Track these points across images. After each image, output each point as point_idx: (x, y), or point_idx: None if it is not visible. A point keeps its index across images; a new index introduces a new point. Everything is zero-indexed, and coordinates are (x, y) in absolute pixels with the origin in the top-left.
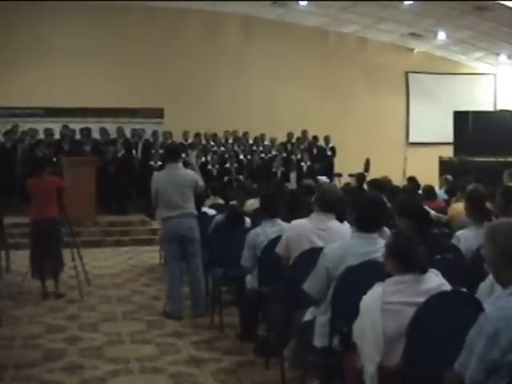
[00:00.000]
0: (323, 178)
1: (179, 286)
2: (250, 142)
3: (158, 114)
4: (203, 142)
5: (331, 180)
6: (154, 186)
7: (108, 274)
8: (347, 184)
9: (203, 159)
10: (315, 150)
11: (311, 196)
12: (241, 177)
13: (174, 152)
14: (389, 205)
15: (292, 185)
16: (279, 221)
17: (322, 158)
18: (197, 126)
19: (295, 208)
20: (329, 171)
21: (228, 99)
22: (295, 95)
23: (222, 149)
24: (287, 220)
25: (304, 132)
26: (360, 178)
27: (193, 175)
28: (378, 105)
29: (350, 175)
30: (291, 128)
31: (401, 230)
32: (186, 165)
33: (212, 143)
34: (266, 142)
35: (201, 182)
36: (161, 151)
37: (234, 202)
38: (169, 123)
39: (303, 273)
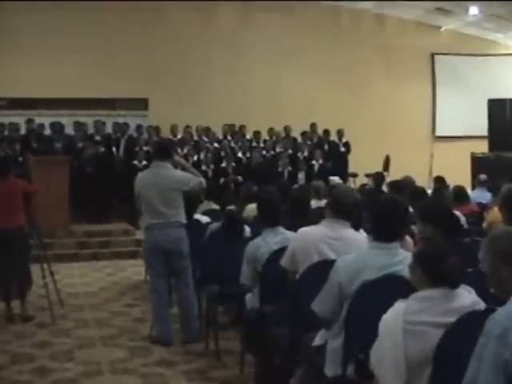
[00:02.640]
0: (336, 179)
1: (167, 306)
2: (248, 136)
3: (142, 105)
4: (195, 137)
5: (345, 181)
6: (136, 189)
7: (84, 293)
8: (363, 185)
9: (195, 158)
10: (326, 146)
11: (319, 199)
12: (239, 178)
13: (162, 149)
14: (412, 210)
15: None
16: (282, 229)
17: (335, 155)
18: (187, 119)
19: (299, 214)
20: (342, 171)
21: (223, 88)
22: (301, 83)
23: (217, 145)
24: (291, 228)
25: (313, 125)
26: (378, 178)
27: (183, 176)
28: (399, 93)
29: (367, 175)
30: (297, 121)
31: (432, 236)
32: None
33: (205, 139)
34: (267, 137)
35: (197, 180)
36: (146, 149)
37: (231, 208)
38: (154, 116)
39: (312, 289)
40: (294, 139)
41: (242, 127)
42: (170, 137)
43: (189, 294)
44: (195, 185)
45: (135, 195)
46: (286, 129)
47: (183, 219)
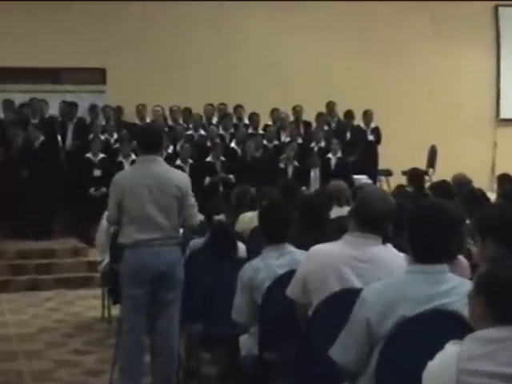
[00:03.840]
0: (362, 179)
1: (141, 354)
2: (246, 121)
3: (98, 77)
4: (169, 122)
5: (375, 181)
6: (115, 193)
7: (17, 336)
8: (400, 187)
9: (170, 150)
10: (349, 134)
11: (339, 207)
12: (231, 177)
13: (152, 138)
14: (468, 220)
15: (313, 190)
16: (290, 247)
17: (360, 145)
18: (159, 98)
19: (312, 227)
20: (371, 167)
21: (208, 56)
22: (315, 48)
23: (202, 133)
24: (302, 245)
25: (330, 105)
26: (419, 177)
27: (184, 177)
28: (450, 61)
29: (405, 173)
30: (309, 100)
31: (498, 256)
32: None
33: (184, 124)
34: (269, 122)
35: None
36: (104, 137)
37: (220, 218)
38: (115, 93)
39: (330, 330)
40: (306, 124)
41: (239, 108)
42: (136, 121)
43: (171, 338)
44: (194, 218)
45: (111, 203)
46: (295, 110)
47: (180, 235)
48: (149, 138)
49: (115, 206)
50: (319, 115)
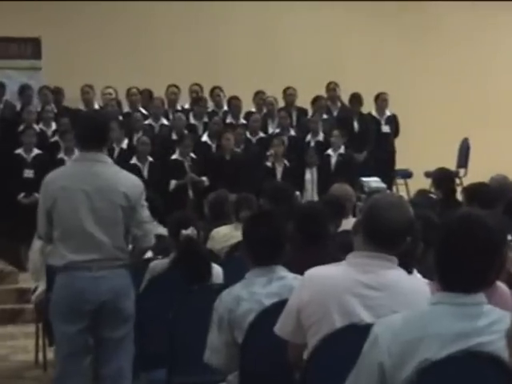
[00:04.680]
0: (373, 182)
1: None
2: (225, 107)
3: (31, 50)
4: (125, 108)
5: (390, 185)
6: (44, 199)
7: None
8: (422, 193)
9: (124, 143)
10: (356, 124)
11: (344, 218)
12: (204, 179)
13: (96, 129)
14: (510, 236)
15: (308, 195)
16: (281, 271)
17: (372, 139)
18: (112, 77)
19: (309, 244)
20: (385, 166)
21: (179, 26)
22: (313, 20)
23: (165, 122)
24: (296, 268)
25: (331, 86)
26: (449, 179)
27: (134, 182)
28: (488, 33)
29: (429, 175)
30: (305, 80)
31: None
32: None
33: (143, 111)
34: (252, 109)
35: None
36: (39, 127)
37: (189, 232)
38: (53, 70)
39: (331, 377)
40: (300, 111)
41: (215, 90)
42: (81, 106)
43: None
44: (147, 238)
45: (41, 211)
46: (286, 94)
47: (128, 256)
48: (89, 129)
49: (45, 216)
50: (317, 100)
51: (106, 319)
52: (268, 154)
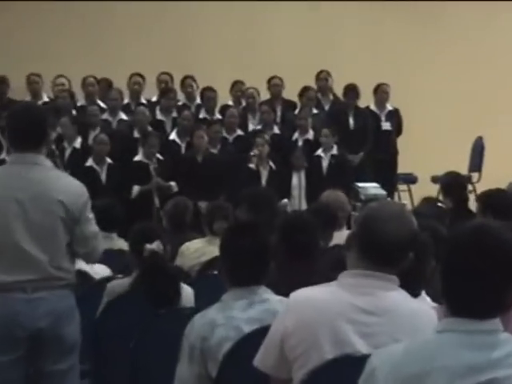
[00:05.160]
0: (371, 188)
1: None
2: (198, 100)
3: None
4: (79, 101)
5: (391, 192)
6: None
7: None
8: (428, 201)
9: (76, 143)
10: (351, 120)
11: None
12: (172, 184)
13: (31, 126)
14: None
15: (295, 203)
16: (264, 292)
17: (369, 137)
18: (63, 64)
19: (295, 260)
20: (385, 170)
21: (144, 6)
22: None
23: (123, 117)
24: (280, 289)
25: (322, 76)
26: (460, 185)
27: (75, 189)
28: (501, 16)
29: (437, 180)
30: (293, 70)
31: None
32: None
33: (101, 104)
34: (229, 102)
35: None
36: None
37: (154, 247)
38: None
39: None
40: (287, 105)
41: (187, 80)
42: (27, 98)
43: None
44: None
45: None
46: (271, 84)
47: (71, 274)
48: (23, 125)
49: None
50: (305, 91)
51: (46, 349)
52: (251, 154)
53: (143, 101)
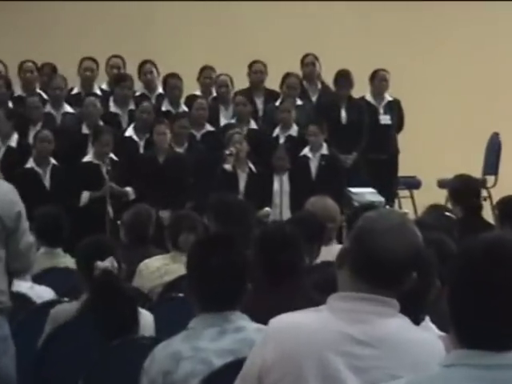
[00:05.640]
0: (368, 194)
1: None
2: (159, 90)
3: None
4: (17, 91)
5: (390, 199)
6: None
7: None
8: (435, 209)
9: (13, 141)
10: (343, 113)
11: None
12: (129, 190)
13: None
14: None
15: (276, 212)
16: (240, 319)
17: (365, 134)
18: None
19: (277, 280)
20: (384, 173)
21: None
22: None
23: (69, 109)
24: (257, 315)
25: (308, 60)
26: (472, 191)
27: (12, 198)
28: None
29: (444, 184)
30: (273, 54)
31: None
32: None
33: (43, 95)
34: (197, 92)
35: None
36: None
37: (106, 265)
38: None
39: None
40: (270, 95)
41: (146, 65)
42: None
43: None
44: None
45: None
46: (252, 70)
47: (5, 297)
48: None
49: None
50: (287, 78)
51: None
52: (227, 153)
53: (97, 91)
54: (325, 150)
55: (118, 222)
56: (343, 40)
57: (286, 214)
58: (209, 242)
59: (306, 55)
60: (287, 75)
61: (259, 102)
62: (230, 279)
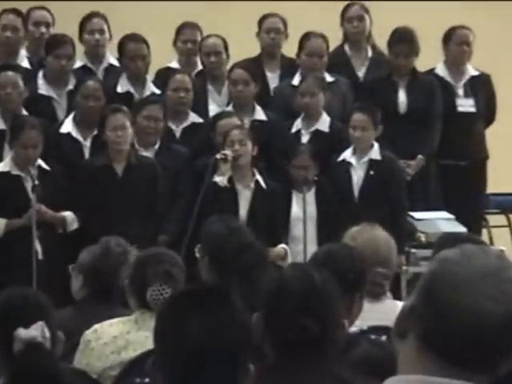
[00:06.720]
0: (442, 222)
1: None
2: (112, 60)
3: None
4: None
5: (476, 230)
6: None
7: None
8: None
9: None
10: (402, 95)
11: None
12: (69, 215)
13: None
14: None
15: (298, 250)
16: None
17: (437, 127)
18: None
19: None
20: (466, 186)
21: None
22: None
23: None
24: None
25: (351, 11)
26: None
27: None
28: None
29: None
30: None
31: None
32: None
33: None
34: (173, 64)
35: None
36: None
37: (34, 334)
38: None
39: None
40: (288, 63)
41: (93, 19)
42: None
43: None
44: None
45: None
46: (263, 28)
47: None
48: None
49: None
50: (307, 39)
51: None
52: (217, 157)
53: (23, 63)
54: (376, 154)
55: (70, 267)
56: None
57: (310, 249)
58: (191, 300)
59: (350, 5)
60: (307, 36)
61: (273, 79)
62: (221, 357)
